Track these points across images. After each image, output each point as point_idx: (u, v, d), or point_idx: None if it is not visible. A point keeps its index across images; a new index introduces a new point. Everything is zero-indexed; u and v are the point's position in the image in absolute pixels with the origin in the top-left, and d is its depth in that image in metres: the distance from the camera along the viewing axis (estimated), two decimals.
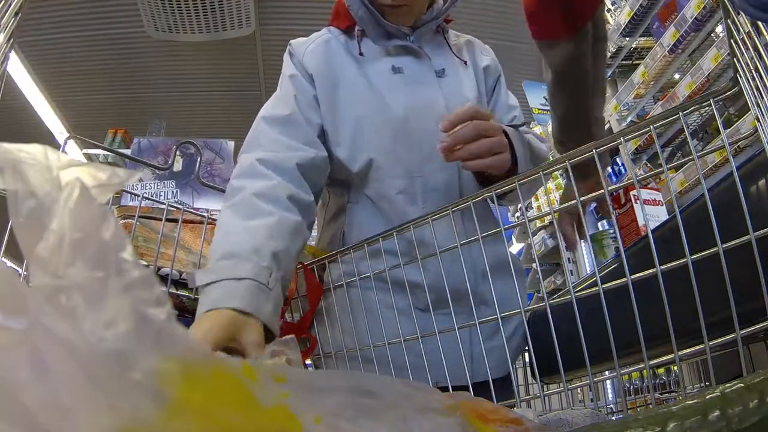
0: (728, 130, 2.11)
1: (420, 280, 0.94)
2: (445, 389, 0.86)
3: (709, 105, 0.67)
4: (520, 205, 2.42)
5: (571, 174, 0.79)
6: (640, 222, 1.16)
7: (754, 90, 0.60)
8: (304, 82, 1.14)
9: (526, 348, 1.15)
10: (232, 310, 0.77)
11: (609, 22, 3.28)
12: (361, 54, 1.16)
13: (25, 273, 0.83)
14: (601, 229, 3.61)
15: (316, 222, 1.21)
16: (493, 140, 0.96)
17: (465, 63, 1.22)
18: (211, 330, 0.74)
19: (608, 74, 3.28)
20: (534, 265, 4.29)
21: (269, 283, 0.83)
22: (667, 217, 0.94)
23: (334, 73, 1.14)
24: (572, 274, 3.58)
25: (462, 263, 0.86)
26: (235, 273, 0.81)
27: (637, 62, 3.02)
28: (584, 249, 3.58)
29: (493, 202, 0.87)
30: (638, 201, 1.27)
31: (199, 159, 1.10)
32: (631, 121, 3.00)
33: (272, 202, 0.93)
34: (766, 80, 0.56)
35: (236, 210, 0.92)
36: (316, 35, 1.22)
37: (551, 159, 0.87)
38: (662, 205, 1.07)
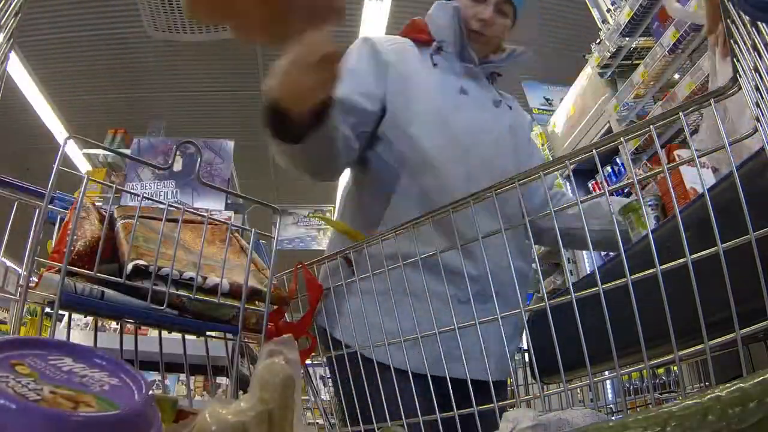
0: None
1: (462, 270, 0.92)
2: (464, 383, 0.86)
3: (709, 105, 0.67)
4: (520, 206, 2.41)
5: None
6: (688, 185, 1.09)
7: (754, 90, 0.60)
8: (381, 59, 1.24)
9: (526, 348, 1.15)
10: None
11: (609, 22, 3.28)
12: (435, 65, 1.29)
13: (25, 273, 0.83)
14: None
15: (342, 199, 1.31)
16: None
17: (510, 108, 1.38)
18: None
19: (608, 74, 3.28)
20: (534, 265, 4.28)
21: None
22: (714, 180, 0.91)
23: (409, 73, 1.25)
24: (572, 274, 3.57)
25: (510, 259, 0.86)
26: None
27: (636, 62, 3.02)
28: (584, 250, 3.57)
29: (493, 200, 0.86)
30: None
31: (199, 159, 1.09)
32: (631, 121, 3.00)
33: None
34: (766, 80, 0.56)
35: None
36: (393, 37, 1.36)
37: (551, 159, 0.87)
38: (708, 168, 1.03)
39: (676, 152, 1.20)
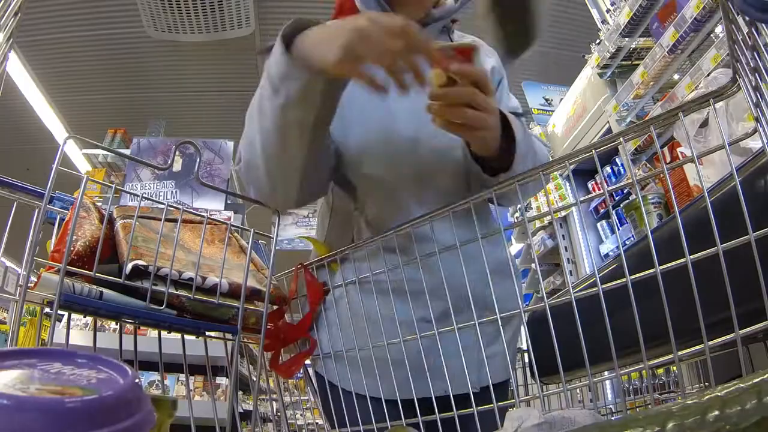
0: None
1: (422, 288, 0.91)
2: (446, 398, 0.86)
3: (709, 105, 0.67)
4: (519, 206, 2.42)
5: None
6: (691, 182, 1.08)
7: (754, 90, 0.60)
8: None
9: (525, 349, 1.15)
10: None
11: (609, 22, 3.28)
12: None
13: (24, 273, 0.83)
14: (600, 230, 3.61)
15: (318, 223, 1.21)
16: (479, 114, 0.87)
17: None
18: None
19: (607, 74, 3.28)
20: (533, 265, 4.29)
21: None
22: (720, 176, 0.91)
23: None
24: (571, 275, 3.57)
25: (463, 269, 0.85)
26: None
27: (636, 62, 3.02)
28: (584, 249, 3.58)
29: (492, 203, 0.87)
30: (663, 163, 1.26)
31: (198, 159, 1.09)
32: (631, 121, 3.00)
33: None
34: (765, 80, 0.56)
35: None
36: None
37: (551, 159, 0.87)
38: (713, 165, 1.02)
39: (679, 149, 1.20)
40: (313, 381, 1.15)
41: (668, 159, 1.31)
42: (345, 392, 1.01)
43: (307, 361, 1.09)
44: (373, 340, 0.95)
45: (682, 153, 1.20)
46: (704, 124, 1.07)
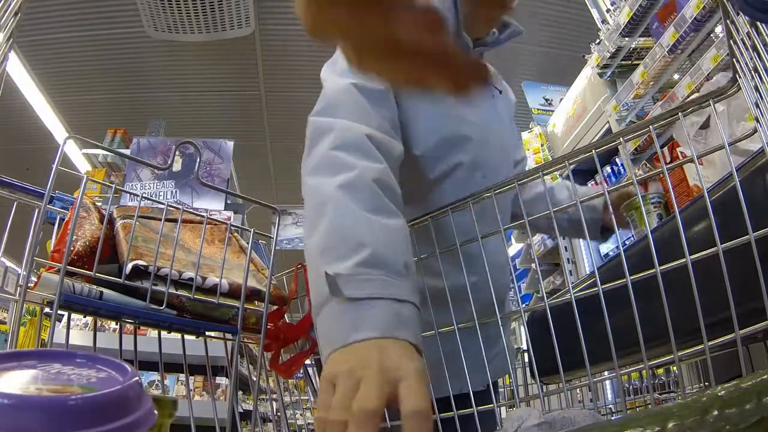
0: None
1: (467, 287, 0.86)
2: (465, 396, 0.86)
3: (708, 106, 0.67)
4: (519, 206, 2.42)
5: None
6: (691, 182, 1.06)
7: (753, 90, 0.60)
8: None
9: (525, 349, 1.15)
10: (406, 343, 0.60)
11: (608, 22, 3.28)
12: None
13: (24, 273, 0.83)
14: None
15: None
16: None
17: (500, 92, 1.26)
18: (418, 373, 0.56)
19: (607, 74, 3.28)
20: (533, 265, 4.28)
21: (418, 304, 0.68)
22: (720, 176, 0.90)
23: None
24: (571, 275, 3.57)
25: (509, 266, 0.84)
26: (393, 291, 0.64)
27: (636, 62, 3.02)
28: (584, 249, 3.58)
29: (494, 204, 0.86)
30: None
31: (198, 159, 1.09)
32: (631, 121, 3.00)
33: (393, 196, 0.79)
34: (765, 80, 0.56)
35: (360, 195, 0.75)
36: None
37: (550, 159, 0.87)
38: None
39: (679, 149, 1.20)
40: (313, 380, 1.14)
41: (668, 159, 1.31)
42: None
43: (307, 361, 1.09)
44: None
45: (682, 153, 1.19)
46: (705, 125, 1.07)
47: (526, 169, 1.24)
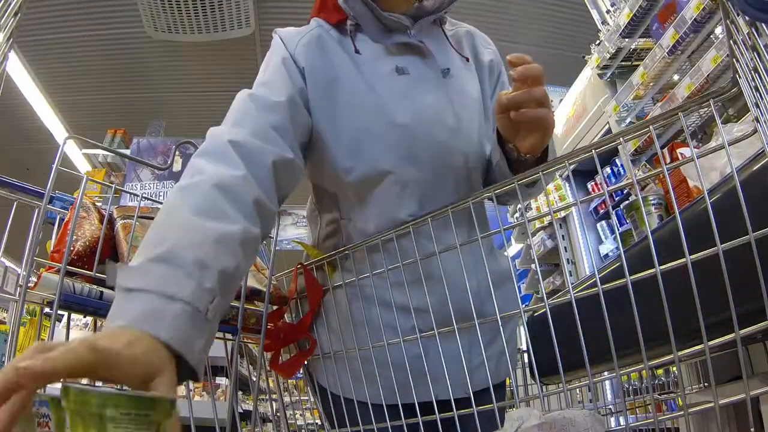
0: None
1: (424, 304, 0.90)
2: (446, 402, 0.87)
3: (709, 106, 0.67)
4: (519, 206, 2.42)
5: None
6: (691, 183, 1.06)
7: (754, 91, 0.60)
8: (296, 72, 1.00)
9: (525, 349, 1.15)
10: (155, 340, 0.57)
11: (608, 23, 3.28)
12: (357, 52, 1.02)
13: (24, 273, 0.83)
14: (600, 231, 3.61)
15: (310, 229, 1.19)
16: (550, 114, 0.86)
17: (467, 60, 1.11)
18: (137, 363, 0.54)
19: (607, 75, 3.28)
20: (533, 265, 4.29)
21: (208, 312, 0.64)
22: (720, 178, 0.89)
23: (330, 72, 1.01)
24: (571, 275, 3.57)
25: (467, 287, 0.85)
26: (167, 288, 0.62)
27: (636, 63, 3.02)
28: (584, 249, 3.58)
29: (492, 201, 0.87)
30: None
31: None
32: (630, 122, 3.00)
33: (236, 202, 0.77)
34: (765, 81, 0.56)
35: (190, 196, 0.75)
36: (305, 28, 1.07)
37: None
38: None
39: (679, 150, 1.20)
40: (311, 386, 1.15)
41: (668, 160, 1.31)
42: (346, 400, 1.00)
43: (307, 362, 1.09)
44: (373, 342, 0.95)
45: (681, 154, 1.19)
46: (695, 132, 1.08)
47: None
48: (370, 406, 0.95)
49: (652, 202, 1.06)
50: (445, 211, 0.88)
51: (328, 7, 1.07)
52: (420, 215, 0.92)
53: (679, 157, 1.20)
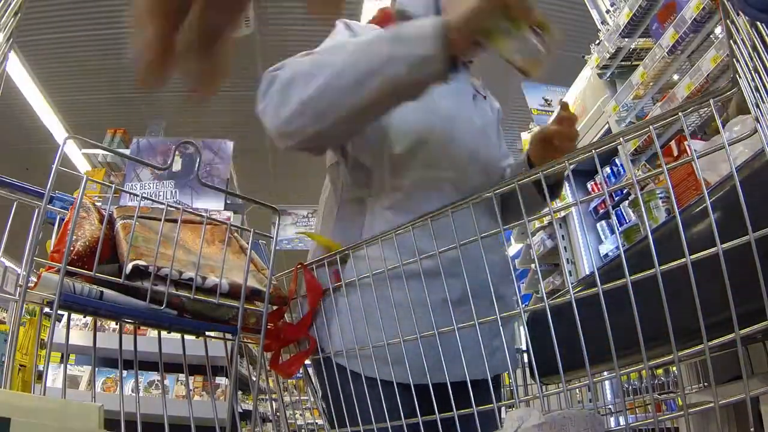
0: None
1: (440, 272, 0.90)
2: (462, 384, 0.86)
3: (708, 106, 0.67)
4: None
5: None
6: (699, 175, 1.06)
7: (754, 91, 0.60)
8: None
9: (525, 349, 1.15)
10: None
11: (608, 23, 3.28)
12: None
13: (24, 273, 0.83)
14: (600, 230, 3.61)
15: (323, 216, 1.19)
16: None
17: (484, 98, 1.32)
18: None
19: (607, 75, 3.28)
20: (533, 265, 4.29)
21: None
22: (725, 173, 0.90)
23: None
24: (571, 275, 3.57)
25: (485, 262, 0.85)
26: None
27: (636, 63, 3.02)
28: (583, 249, 3.58)
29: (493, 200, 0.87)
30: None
31: (198, 159, 1.09)
32: (630, 122, 3.00)
33: None
34: (765, 81, 0.56)
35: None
36: (369, 26, 1.26)
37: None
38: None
39: (686, 143, 1.19)
40: (313, 380, 1.14)
41: (675, 153, 1.31)
42: (368, 379, 0.99)
43: (307, 361, 1.09)
44: (401, 325, 0.93)
45: (690, 146, 1.18)
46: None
47: None
48: (396, 385, 0.94)
49: (660, 195, 1.06)
50: (445, 210, 0.88)
51: (387, 19, 1.26)
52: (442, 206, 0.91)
53: (687, 149, 1.20)
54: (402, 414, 0.91)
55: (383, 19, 1.27)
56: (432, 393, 0.88)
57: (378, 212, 1.09)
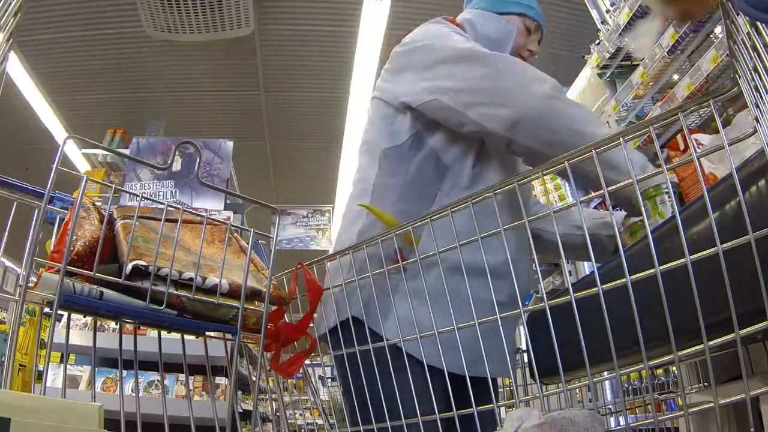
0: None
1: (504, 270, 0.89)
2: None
3: (708, 106, 0.67)
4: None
5: None
6: (707, 169, 1.06)
7: (754, 90, 0.60)
8: None
9: (525, 349, 1.15)
10: None
11: (608, 23, 3.28)
12: None
13: (24, 273, 0.83)
14: None
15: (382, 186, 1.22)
16: None
17: None
18: None
19: (607, 75, 3.28)
20: (533, 265, 4.28)
21: None
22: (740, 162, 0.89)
23: None
24: (571, 275, 3.57)
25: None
26: None
27: (636, 63, 3.02)
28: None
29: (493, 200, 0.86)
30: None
31: (198, 159, 1.09)
32: (630, 121, 3.00)
33: None
34: (765, 81, 0.56)
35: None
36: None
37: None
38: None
39: (694, 136, 1.19)
40: (312, 380, 1.14)
41: (682, 147, 1.32)
42: (410, 357, 0.99)
43: (307, 361, 1.09)
44: (462, 316, 0.91)
45: (696, 141, 1.18)
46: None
47: None
48: (447, 373, 0.92)
49: (665, 190, 1.06)
50: (445, 211, 0.88)
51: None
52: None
53: (690, 146, 1.19)
54: (443, 406, 0.90)
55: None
56: (469, 386, 0.87)
57: (465, 177, 1.20)
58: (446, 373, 0.92)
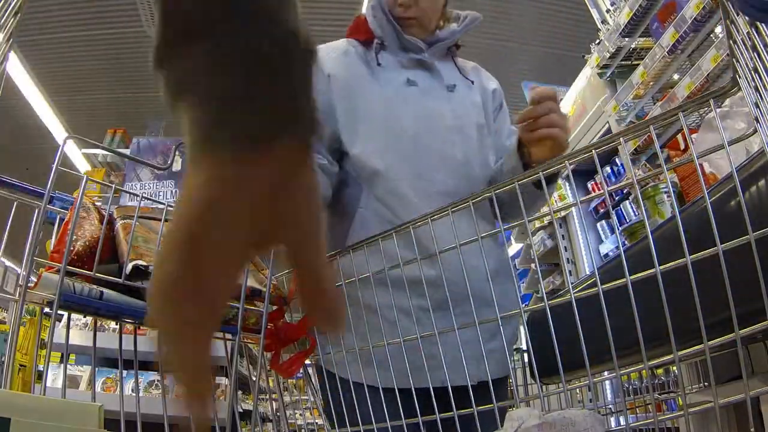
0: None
1: (422, 279, 0.93)
2: (444, 390, 0.86)
3: (708, 105, 0.67)
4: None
5: None
6: (708, 168, 1.06)
7: (754, 90, 0.60)
8: (322, 80, 1.19)
9: (525, 349, 1.15)
10: None
11: (608, 23, 3.28)
12: (379, 64, 1.25)
13: (24, 273, 0.83)
14: (600, 230, 3.61)
15: None
16: (559, 133, 1.04)
17: (471, 83, 1.32)
18: None
19: (607, 75, 3.28)
20: (533, 265, 4.29)
21: None
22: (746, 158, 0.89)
23: (352, 81, 1.23)
24: (571, 275, 3.57)
25: (462, 265, 0.85)
26: None
27: (636, 63, 3.02)
28: (584, 249, 3.58)
29: (492, 205, 0.87)
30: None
31: None
32: (630, 121, 3.00)
33: None
34: (765, 80, 0.56)
35: None
36: (334, 44, 1.30)
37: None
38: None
39: (693, 136, 1.19)
40: (313, 380, 1.15)
41: (682, 146, 1.32)
42: (356, 385, 1.00)
43: (307, 361, 1.09)
44: (386, 333, 0.94)
45: (696, 140, 1.17)
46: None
47: None
48: (382, 391, 0.95)
49: (663, 190, 1.06)
50: (446, 212, 0.88)
51: (360, 29, 1.31)
52: (418, 209, 0.95)
53: (690, 145, 1.19)
54: (395, 416, 0.91)
55: (355, 29, 1.33)
56: (432, 393, 0.88)
57: (365, 228, 1.12)
58: (396, 390, 0.93)
